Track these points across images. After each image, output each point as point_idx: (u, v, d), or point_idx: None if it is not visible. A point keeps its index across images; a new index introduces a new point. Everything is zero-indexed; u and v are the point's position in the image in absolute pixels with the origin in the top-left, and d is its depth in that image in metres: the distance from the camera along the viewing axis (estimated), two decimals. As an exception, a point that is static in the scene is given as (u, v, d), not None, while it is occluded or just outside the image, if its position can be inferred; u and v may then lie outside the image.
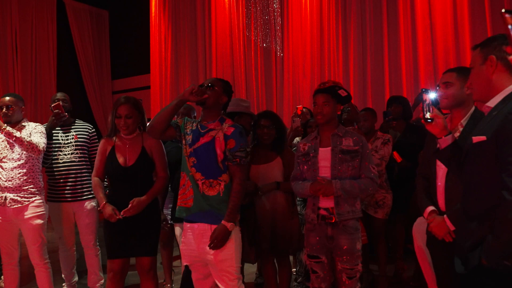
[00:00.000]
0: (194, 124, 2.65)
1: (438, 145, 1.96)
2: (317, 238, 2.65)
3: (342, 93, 2.65)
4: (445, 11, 5.94)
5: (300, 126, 4.13)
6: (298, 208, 3.72)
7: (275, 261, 3.36)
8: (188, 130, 2.64)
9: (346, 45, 6.88)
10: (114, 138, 2.98)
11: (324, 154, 2.65)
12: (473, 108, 2.30)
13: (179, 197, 2.64)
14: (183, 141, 2.63)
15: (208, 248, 2.48)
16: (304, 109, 4.56)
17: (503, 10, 1.36)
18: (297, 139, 4.19)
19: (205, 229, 2.53)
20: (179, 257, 4.26)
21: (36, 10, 9.23)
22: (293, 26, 7.42)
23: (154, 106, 9.05)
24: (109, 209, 2.83)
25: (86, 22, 10.16)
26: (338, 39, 6.94)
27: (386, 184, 3.88)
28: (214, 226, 2.49)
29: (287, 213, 3.21)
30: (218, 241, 2.45)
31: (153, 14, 9.17)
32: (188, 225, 2.61)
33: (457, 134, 2.12)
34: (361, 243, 2.65)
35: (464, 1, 5.77)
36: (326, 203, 2.61)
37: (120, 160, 2.89)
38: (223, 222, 2.46)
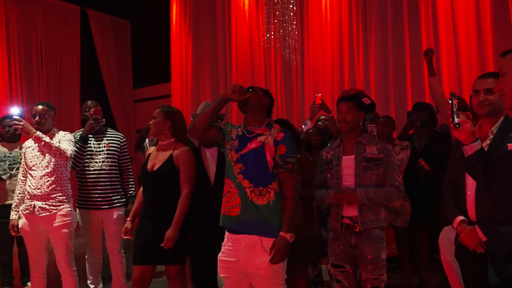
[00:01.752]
0: (239, 129, 2.53)
1: (463, 152, 1.92)
2: (341, 247, 2.63)
3: (366, 101, 2.64)
4: (468, 17, 5.85)
5: (311, 129, 3.98)
6: None
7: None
8: (233, 135, 2.52)
9: (367, 52, 6.83)
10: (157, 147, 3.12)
11: (348, 162, 2.63)
12: (503, 116, 2.24)
13: (223, 204, 2.48)
14: (228, 146, 2.50)
15: (258, 261, 2.33)
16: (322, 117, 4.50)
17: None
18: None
19: (255, 241, 2.36)
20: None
21: (61, 21, 9.45)
22: (313, 33, 7.41)
23: (175, 114, 9.11)
24: (125, 225, 3.18)
25: (108, 32, 10.36)
26: (358, 46, 6.90)
27: (404, 192, 3.82)
28: (265, 238, 2.35)
29: (304, 220, 3.08)
30: (280, 255, 2.30)
31: (174, 24, 9.28)
32: (232, 236, 2.45)
33: (487, 142, 2.07)
34: (385, 252, 2.61)
35: (487, 6, 5.68)
36: (350, 211, 2.58)
37: (149, 165, 2.98)
38: (282, 234, 2.31)
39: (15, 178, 4.18)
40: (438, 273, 3.99)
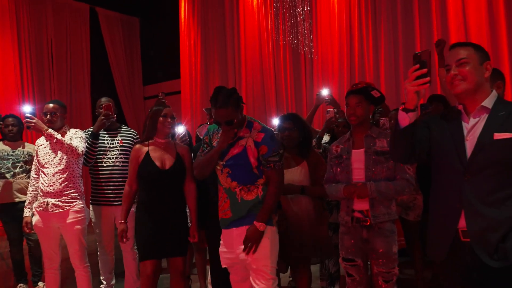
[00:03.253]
0: (220, 133, 2.59)
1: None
2: (352, 241, 2.62)
3: (375, 94, 2.61)
4: (479, 8, 5.77)
5: (334, 117, 4.02)
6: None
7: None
8: (215, 142, 2.63)
9: (376, 42, 6.80)
10: (147, 144, 3.07)
11: (358, 156, 2.61)
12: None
13: (219, 209, 2.66)
14: None
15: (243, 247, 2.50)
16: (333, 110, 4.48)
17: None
18: (325, 138, 4.15)
19: (243, 231, 2.52)
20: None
21: (70, 19, 9.54)
22: (321, 26, 7.39)
23: (184, 110, 9.17)
24: (122, 227, 3.04)
25: (117, 30, 10.43)
26: (368, 36, 6.88)
27: (416, 185, 3.78)
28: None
29: (314, 220, 3.04)
30: (250, 242, 2.46)
31: (182, 20, 9.31)
32: (227, 230, 2.62)
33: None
34: (397, 246, 2.59)
35: (499, -3, 5.61)
36: (361, 205, 2.57)
37: (157, 163, 2.97)
38: (254, 222, 2.46)
39: (18, 176, 4.25)
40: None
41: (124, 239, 3.04)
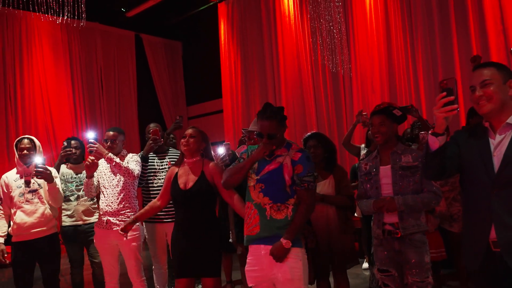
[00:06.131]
0: None
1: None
2: (385, 252, 2.75)
3: (397, 112, 2.79)
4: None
5: None
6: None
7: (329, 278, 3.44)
8: None
9: (414, 57, 6.80)
10: (179, 165, 3.24)
11: (385, 172, 2.77)
12: None
13: (245, 226, 2.68)
14: (249, 171, 2.69)
15: (277, 266, 2.51)
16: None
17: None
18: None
19: None
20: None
21: (118, 47, 10.15)
22: (359, 42, 7.48)
23: (227, 128, 9.48)
24: (128, 221, 3.25)
25: (161, 54, 10.96)
26: (407, 52, 6.89)
27: (461, 197, 3.83)
28: None
29: (339, 228, 3.32)
30: (274, 258, 2.50)
31: (222, 42, 9.66)
32: (254, 246, 2.64)
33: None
34: (429, 256, 2.70)
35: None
36: (391, 218, 2.72)
37: (180, 183, 3.10)
38: (281, 239, 2.49)
39: (82, 199, 4.18)
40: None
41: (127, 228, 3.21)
